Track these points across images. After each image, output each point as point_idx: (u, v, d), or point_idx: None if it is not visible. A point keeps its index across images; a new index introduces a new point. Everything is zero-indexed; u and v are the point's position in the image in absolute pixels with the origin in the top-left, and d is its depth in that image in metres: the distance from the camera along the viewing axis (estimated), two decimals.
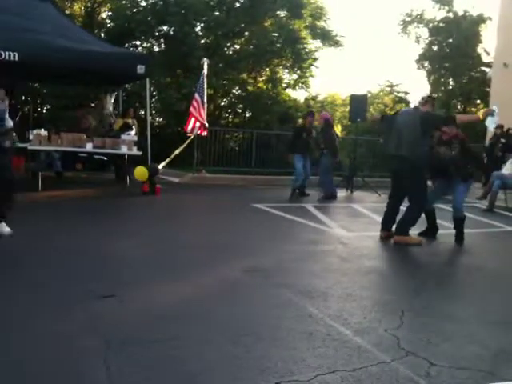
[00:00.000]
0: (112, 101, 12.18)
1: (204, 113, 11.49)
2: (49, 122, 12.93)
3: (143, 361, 2.69)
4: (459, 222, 6.60)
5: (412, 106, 6.94)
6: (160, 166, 10.28)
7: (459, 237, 6.57)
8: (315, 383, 2.54)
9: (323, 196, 10.59)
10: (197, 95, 11.38)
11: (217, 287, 4.15)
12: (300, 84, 18.94)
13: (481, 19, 21.91)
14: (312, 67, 18.59)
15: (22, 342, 2.86)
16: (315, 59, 18.46)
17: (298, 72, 18.65)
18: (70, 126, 11.66)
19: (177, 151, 11.23)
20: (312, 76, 18.84)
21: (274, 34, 17.18)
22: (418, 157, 6.12)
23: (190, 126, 11.39)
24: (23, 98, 15.47)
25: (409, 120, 6.25)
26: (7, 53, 8.34)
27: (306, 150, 10.75)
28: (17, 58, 8.42)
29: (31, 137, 9.12)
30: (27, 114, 13.32)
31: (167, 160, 10.94)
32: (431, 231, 6.81)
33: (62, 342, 2.89)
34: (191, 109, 11.41)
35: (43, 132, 9.35)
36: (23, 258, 4.66)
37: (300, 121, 14.29)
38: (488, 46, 21.67)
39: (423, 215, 6.60)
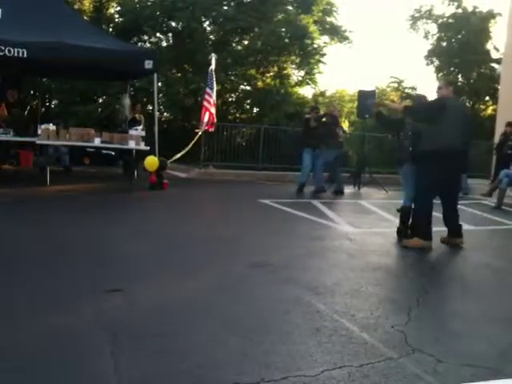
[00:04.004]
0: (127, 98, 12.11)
1: (214, 109, 11.53)
2: (57, 116, 12.97)
3: (149, 354, 2.70)
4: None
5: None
6: (169, 162, 10.31)
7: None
8: (322, 378, 2.54)
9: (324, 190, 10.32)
10: (209, 90, 11.39)
11: (223, 282, 4.15)
12: (307, 81, 18.83)
13: (490, 15, 21.70)
14: (320, 63, 18.48)
15: (29, 335, 2.88)
16: (323, 55, 18.34)
17: (306, 69, 18.53)
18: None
19: (187, 148, 11.24)
20: (320, 73, 18.74)
21: (281, 30, 17.08)
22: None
23: (205, 120, 11.37)
24: (31, 92, 15.52)
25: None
26: (16, 49, 8.36)
27: (315, 144, 10.34)
28: (25, 55, 8.45)
29: (39, 131, 9.16)
30: (35, 109, 13.38)
31: (177, 156, 10.96)
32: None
33: (69, 334, 2.91)
34: (205, 103, 11.40)
35: (51, 126, 9.37)
36: (30, 252, 4.69)
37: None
38: (497, 42, 21.46)
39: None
